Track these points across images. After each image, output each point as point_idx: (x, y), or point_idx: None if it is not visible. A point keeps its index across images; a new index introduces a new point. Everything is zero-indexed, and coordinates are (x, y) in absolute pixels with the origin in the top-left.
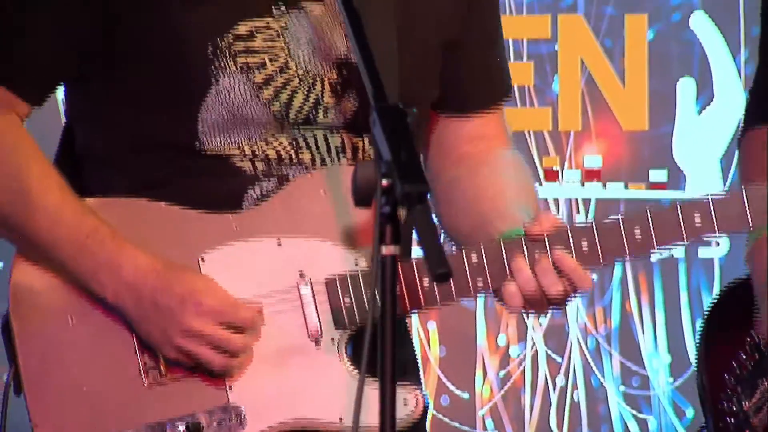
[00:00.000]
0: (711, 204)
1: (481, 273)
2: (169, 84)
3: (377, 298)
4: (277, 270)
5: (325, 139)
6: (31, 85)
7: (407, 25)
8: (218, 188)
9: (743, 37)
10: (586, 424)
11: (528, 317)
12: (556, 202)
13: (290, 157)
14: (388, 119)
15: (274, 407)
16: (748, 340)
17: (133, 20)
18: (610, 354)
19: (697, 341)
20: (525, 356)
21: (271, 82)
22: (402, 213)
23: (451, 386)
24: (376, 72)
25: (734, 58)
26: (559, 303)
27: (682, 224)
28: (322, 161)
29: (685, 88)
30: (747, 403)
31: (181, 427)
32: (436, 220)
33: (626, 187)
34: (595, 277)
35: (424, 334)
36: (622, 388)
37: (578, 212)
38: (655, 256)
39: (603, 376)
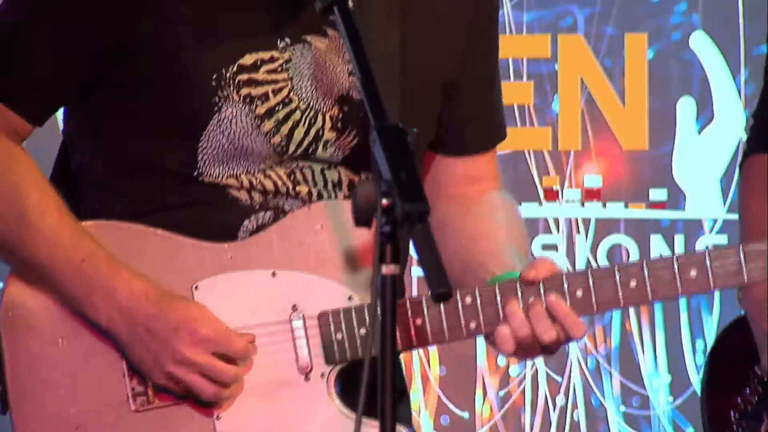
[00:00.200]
0: (708, 258)
1: (474, 316)
2: (171, 111)
3: (377, 314)
4: (271, 302)
5: (323, 173)
6: (33, 104)
7: (409, 64)
8: (214, 218)
9: (743, 56)
10: None
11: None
12: (556, 221)
13: (287, 190)
14: (389, 138)
15: None
16: (752, 375)
17: (140, 48)
18: (610, 373)
19: (700, 381)
20: (525, 376)
21: (273, 114)
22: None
23: (451, 406)
24: (376, 91)
25: (734, 78)
26: (552, 350)
27: (677, 278)
28: (319, 195)
29: (685, 107)
30: None
31: None
32: None
33: (626, 206)
34: None
35: (424, 353)
36: (622, 407)
37: (578, 231)
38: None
39: (603, 396)
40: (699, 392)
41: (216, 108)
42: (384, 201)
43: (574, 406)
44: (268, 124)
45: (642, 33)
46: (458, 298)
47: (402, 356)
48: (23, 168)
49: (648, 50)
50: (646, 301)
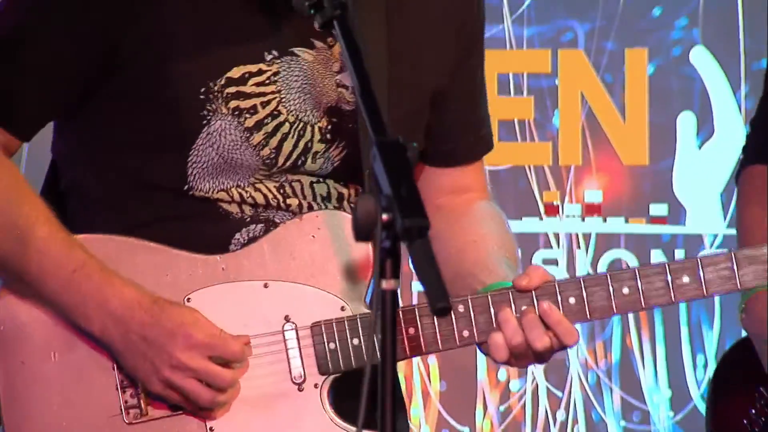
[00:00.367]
0: (700, 265)
1: (467, 324)
2: (161, 125)
3: (375, 331)
4: (263, 313)
5: (312, 187)
6: (22, 120)
7: (397, 76)
8: (205, 231)
9: (744, 71)
10: None
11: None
12: (557, 236)
13: (278, 203)
14: (389, 153)
15: None
16: (758, 396)
17: (127, 63)
18: (611, 389)
19: (705, 401)
20: (525, 391)
21: (262, 126)
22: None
23: (451, 421)
24: (376, 106)
25: (734, 93)
26: (545, 357)
27: (670, 285)
28: (309, 207)
29: (686, 122)
30: None
31: None
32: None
33: (626, 221)
34: None
35: (425, 368)
36: (622, 422)
37: (578, 246)
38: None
39: (603, 411)
40: (700, 408)
41: (205, 121)
42: (384, 216)
43: (575, 421)
44: (257, 137)
45: (642, 48)
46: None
47: (401, 370)
48: (12, 180)
49: (648, 65)
50: (639, 307)
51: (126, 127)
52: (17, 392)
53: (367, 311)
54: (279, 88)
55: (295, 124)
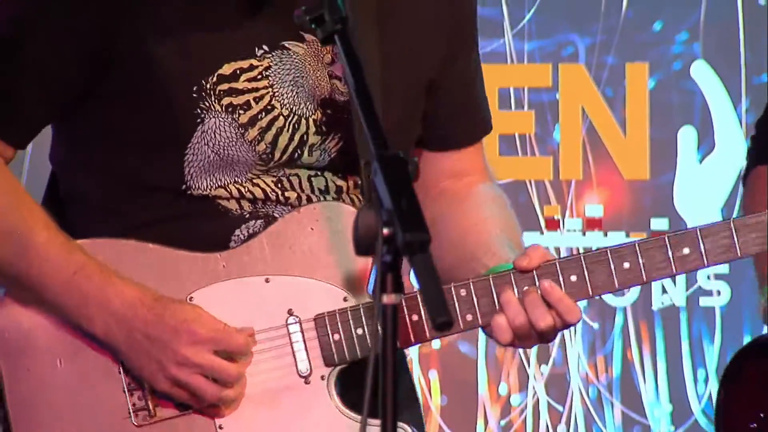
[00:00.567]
0: (699, 235)
1: (470, 308)
2: (155, 127)
3: (377, 343)
4: (266, 308)
5: (309, 180)
6: (15, 128)
7: (390, 67)
8: (205, 229)
9: (744, 86)
10: None
11: (527, 364)
12: (557, 250)
13: (276, 197)
14: (389, 168)
15: None
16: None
17: (118, 64)
18: (612, 403)
19: (715, 409)
20: (526, 405)
21: (256, 122)
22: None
23: None
24: (377, 120)
25: (735, 107)
26: (548, 337)
27: (671, 256)
28: (308, 200)
29: (687, 136)
30: None
31: None
32: None
33: (627, 236)
34: (596, 325)
35: (426, 382)
36: None
37: None
38: (656, 305)
39: (604, 426)
40: (701, 422)
41: (199, 120)
42: (385, 230)
43: None
44: (252, 133)
45: (643, 62)
46: (453, 291)
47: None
48: (9, 187)
49: (649, 80)
50: (640, 281)
51: (121, 129)
52: (25, 400)
53: (370, 300)
54: (271, 82)
55: (290, 118)
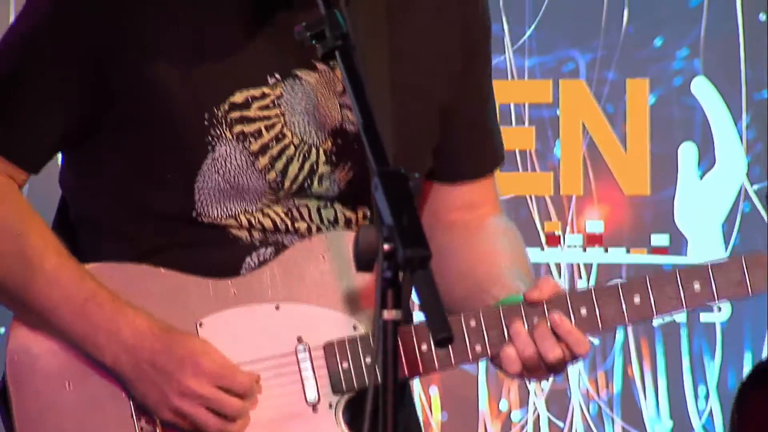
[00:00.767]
0: (710, 271)
1: (479, 338)
2: (166, 153)
3: (378, 362)
4: (275, 335)
5: (319, 211)
6: (28, 154)
7: (402, 93)
8: (216, 257)
9: (745, 102)
10: None
11: (529, 383)
12: (558, 266)
13: (287, 227)
14: (390, 183)
15: None
16: None
17: (130, 94)
18: (612, 419)
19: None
20: (527, 421)
21: (267, 150)
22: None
23: None
24: (378, 136)
25: (736, 123)
26: (558, 369)
27: (681, 292)
28: (318, 230)
29: (687, 152)
30: None
31: None
32: None
33: (628, 251)
34: (596, 341)
35: (426, 399)
36: None
37: (580, 277)
38: (657, 321)
39: None
40: None
41: (210, 147)
42: (386, 246)
43: None
44: (263, 161)
45: (644, 78)
46: (462, 321)
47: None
48: (20, 213)
49: (649, 95)
50: (651, 316)
51: (132, 156)
52: (33, 422)
53: None
54: (283, 111)
55: (300, 147)
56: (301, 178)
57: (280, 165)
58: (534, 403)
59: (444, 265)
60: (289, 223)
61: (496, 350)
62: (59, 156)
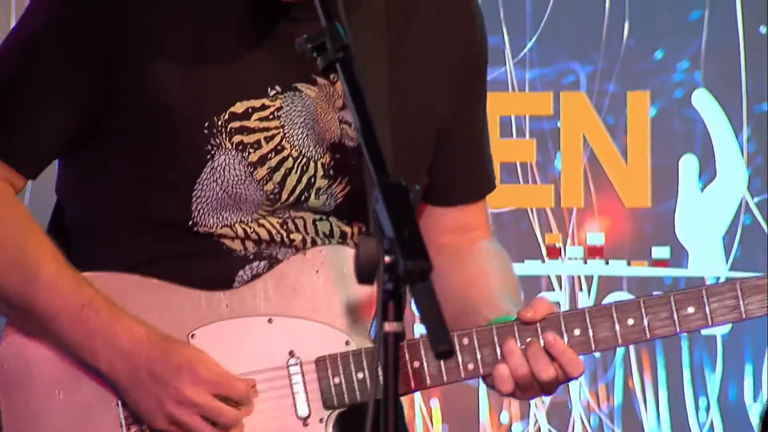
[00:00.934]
0: (705, 295)
1: (472, 357)
2: (165, 161)
3: (379, 373)
4: (267, 348)
5: (314, 224)
6: (28, 159)
7: (401, 112)
8: (209, 269)
9: (745, 114)
10: None
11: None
12: (559, 278)
13: (281, 238)
14: (391, 196)
15: None
16: None
17: (131, 99)
18: (613, 431)
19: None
20: None
21: (265, 161)
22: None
23: None
24: (378, 149)
25: (737, 136)
26: (550, 389)
27: (675, 315)
28: (313, 242)
29: (688, 165)
30: None
31: None
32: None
33: (629, 264)
34: (597, 354)
35: (427, 411)
36: None
37: (580, 289)
38: None
39: None
40: None
41: (209, 156)
42: (387, 258)
43: None
44: (261, 172)
45: (644, 90)
46: (456, 339)
47: (404, 408)
48: (19, 219)
49: (650, 108)
50: (644, 338)
51: (130, 163)
52: (22, 431)
53: (372, 345)
54: (282, 123)
55: (299, 159)
56: (298, 190)
57: (278, 176)
58: (535, 416)
59: (435, 287)
60: (284, 234)
61: (488, 369)
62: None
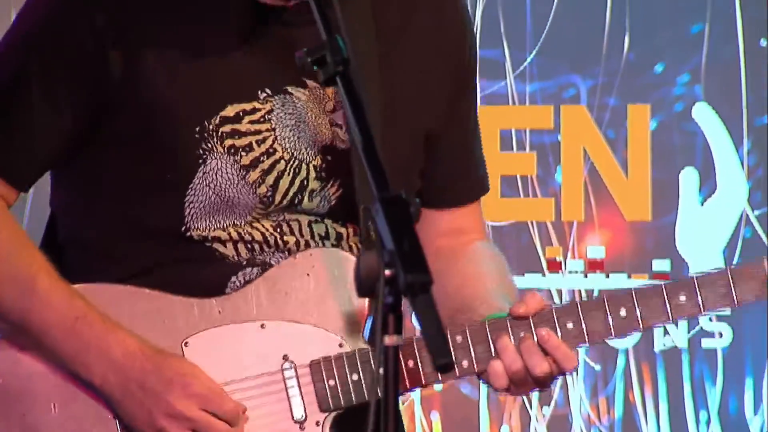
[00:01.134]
0: (696, 283)
1: (466, 354)
2: (157, 167)
3: (377, 386)
4: (261, 353)
5: (309, 226)
6: (19, 172)
7: (392, 115)
8: (202, 275)
9: (746, 127)
10: None
11: (529, 405)
12: (559, 292)
13: (275, 241)
14: (391, 208)
15: None
16: None
17: (121, 105)
18: None
19: None
20: None
21: (257, 164)
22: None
23: None
24: (379, 161)
25: (737, 149)
26: (545, 383)
27: (667, 304)
28: (307, 245)
29: (688, 178)
30: None
31: None
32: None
33: (629, 277)
34: (598, 367)
35: (427, 424)
36: None
37: None
38: (658, 347)
39: None
40: None
41: (201, 160)
42: (387, 271)
43: None
44: (254, 175)
45: (645, 104)
46: (449, 337)
47: (402, 415)
48: (11, 233)
49: (651, 121)
50: (637, 328)
51: (122, 171)
52: None
53: (366, 347)
54: (273, 126)
55: (291, 162)
56: (291, 193)
57: (270, 179)
58: (535, 429)
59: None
60: (277, 237)
61: (483, 366)
62: None
